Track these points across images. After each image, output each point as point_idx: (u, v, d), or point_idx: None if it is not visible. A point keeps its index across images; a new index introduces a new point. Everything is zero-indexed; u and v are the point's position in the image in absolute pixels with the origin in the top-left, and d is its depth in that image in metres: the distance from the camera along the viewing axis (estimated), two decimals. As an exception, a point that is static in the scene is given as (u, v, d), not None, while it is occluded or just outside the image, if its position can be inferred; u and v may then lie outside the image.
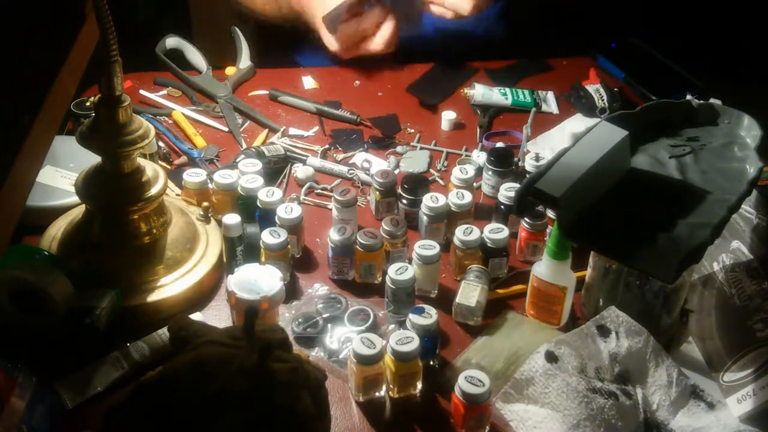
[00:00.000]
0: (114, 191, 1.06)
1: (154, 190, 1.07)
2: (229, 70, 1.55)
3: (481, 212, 1.26)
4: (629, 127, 1.04)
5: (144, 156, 1.22)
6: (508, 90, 1.53)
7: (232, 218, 1.12)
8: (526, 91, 1.54)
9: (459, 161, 1.34)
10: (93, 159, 1.06)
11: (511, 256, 1.18)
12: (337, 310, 1.07)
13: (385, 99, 1.54)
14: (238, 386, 0.77)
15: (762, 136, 1.05)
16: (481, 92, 1.52)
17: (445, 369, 1.03)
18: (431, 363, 1.03)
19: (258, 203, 1.18)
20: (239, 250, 1.13)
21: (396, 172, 1.32)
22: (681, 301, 1.07)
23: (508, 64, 1.66)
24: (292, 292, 1.13)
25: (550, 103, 1.53)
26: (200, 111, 1.46)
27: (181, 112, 1.44)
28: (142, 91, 1.47)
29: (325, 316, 1.07)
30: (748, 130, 1.08)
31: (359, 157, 1.38)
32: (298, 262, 1.18)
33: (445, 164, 1.39)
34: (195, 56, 1.55)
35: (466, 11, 1.49)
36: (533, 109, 1.41)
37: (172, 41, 1.55)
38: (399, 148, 1.41)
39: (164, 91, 1.51)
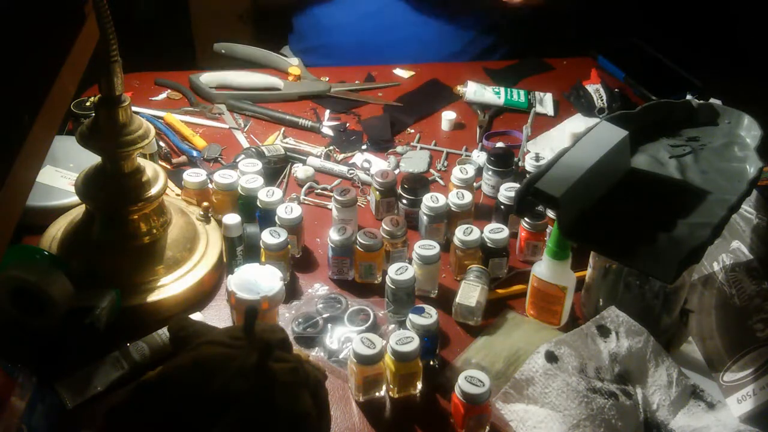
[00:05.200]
0: (114, 191, 1.06)
1: (154, 190, 1.07)
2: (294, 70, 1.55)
3: (481, 212, 1.26)
4: (629, 127, 1.04)
5: (144, 156, 1.22)
6: (501, 89, 1.53)
7: (232, 218, 1.12)
8: (521, 92, 1.54)
9: (459, 161, 1.34)
10: (93, 159, 1.06)
11: (511, 256, 1.18)
12: (337, 310, 1.07)
13: (384, 98, 1.54)
14: (238, 386, 0.77)
15: (762, 136, 1.05)
16: (473, 90, 1.52)
17: (445, 369, 1.03)
18: (431, 363, 1.03)
19: (258, 203, 1.18)
20: (239, 250, 1.13)
21: (396, 172, 1.32)
22: (681, 301, 1.07)
23: (509, 64, 1.66)
24: (292, 292, 1.13)
25: (546, 104, 1.53)
26: (197, 112, 1.46)
27: (174, 115, 1.44)
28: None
29: (325, 316, 1.07)
30: (748, 130, 1.08)
31: (359, 157, 1.38)
32: (298, 262, 1.18)
33: (445, 164, 1.39)
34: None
35: None
36: (533, 110, 1.41)
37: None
38: (399, 148, 1.41)
39: (164, 93, 1.51)
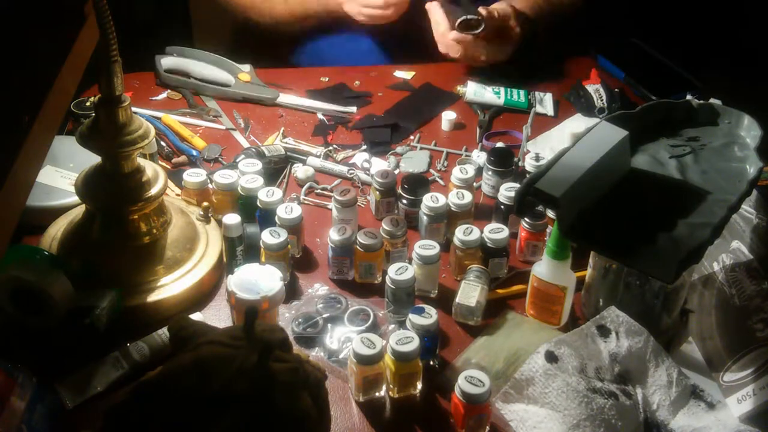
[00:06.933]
0: (114, 191, 1.06)
1: (154, 190, 1.07)
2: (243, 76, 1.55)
3: (481, 212, 1.26)
4: (629, 127, 1.04)
5: (144, 156, 1.22)
6: (501, 89, 1.53)
7: (232, 218, 1.12)
8: (521, 91, 1.54)
9: (459, 161, 1.34)
10: (93, 159, 1.06)
11: (511, 256, 1.18)
12: (337, 310, 1.07)
13: (385, 99, 1.55)
14: (238, 386, 0.77)
15: (762, 136, 1.05)
16: (473, 90, 1.52)
17: (445, 369, 1.03)
18: (431, 363, 1.03)
19: (258, 203, 1.18)
20: (239, 250, 1.13)
21: (396, 172, 1.32)
22: (681, 301, 1.07)
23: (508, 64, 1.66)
24: (292, 292, 1.13)
25: (546, 104, 1.53)
26: (194, 114, 1.46)
27: (172, 116, 1.44)
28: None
29: (325, 316, 1.07)
30: (748, 130, 1.08)
31: (359, 157, 1.38)
32: (298, 262, 1.18)
33: (445, 164, 1.39)
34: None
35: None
36: (533, 110, 1.41)
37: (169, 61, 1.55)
38: (399, 148, 1.41)
39: (164, 94, 1.51)
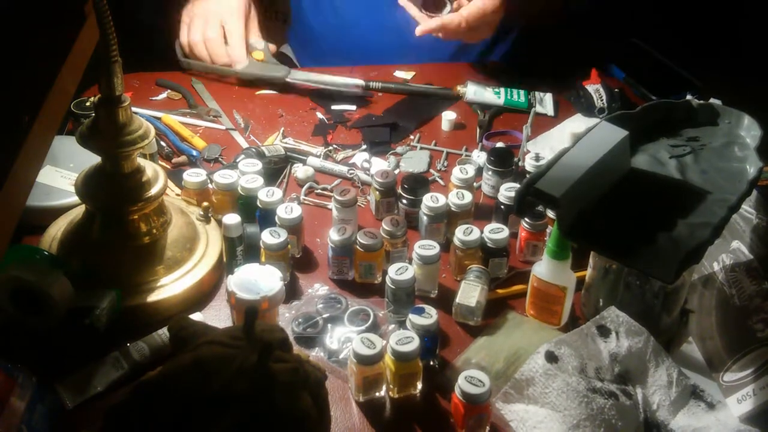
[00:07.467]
0: (114, 191, 1.06)
1: (154, 190, 1.07)
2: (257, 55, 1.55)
3: (481, 212, 1.26)
4: (629, 127, 1.04)
5: (144, 156, 1.22)
6: (501, 89, 1.53)
7: (232, 218, 1.12)
8: (521, 92, 1.54)
9: (459, 161, 1.34)
10: (93, 159, 1.06)
11: (511, 256, 1.17)
12: (337, 310, 1.07)
13: (385, 99, 1.55)
14: (238, 386, 0.77)
15: (762, 136, 1.05)
16: (473, 90, 1.52)
17: (445, 369, 1.03)
18: (431, 363, 1.03)
19: (258, 203, 1.18)
20: (239, 250, 1.13)
21: (396, 172, 1.32)
22: (681, 301, 1.07)
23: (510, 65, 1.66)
24: (292, 292, 1.13)
25: (546, 105, 1.53)
26: (194, 114, 1.46)
27: (172, 116, 1.44)
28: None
29: (325, 316, 1.07)
30: (748, 130, 1.08)
31: (359, 157, 1.38)
32: (298, 262, 1.18)
33: (445, 164, 1.39)
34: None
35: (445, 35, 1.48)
36: (533, 110, 1.41)
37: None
38: (399, 148, 1.41)
39: (164, 94, 1.51)
